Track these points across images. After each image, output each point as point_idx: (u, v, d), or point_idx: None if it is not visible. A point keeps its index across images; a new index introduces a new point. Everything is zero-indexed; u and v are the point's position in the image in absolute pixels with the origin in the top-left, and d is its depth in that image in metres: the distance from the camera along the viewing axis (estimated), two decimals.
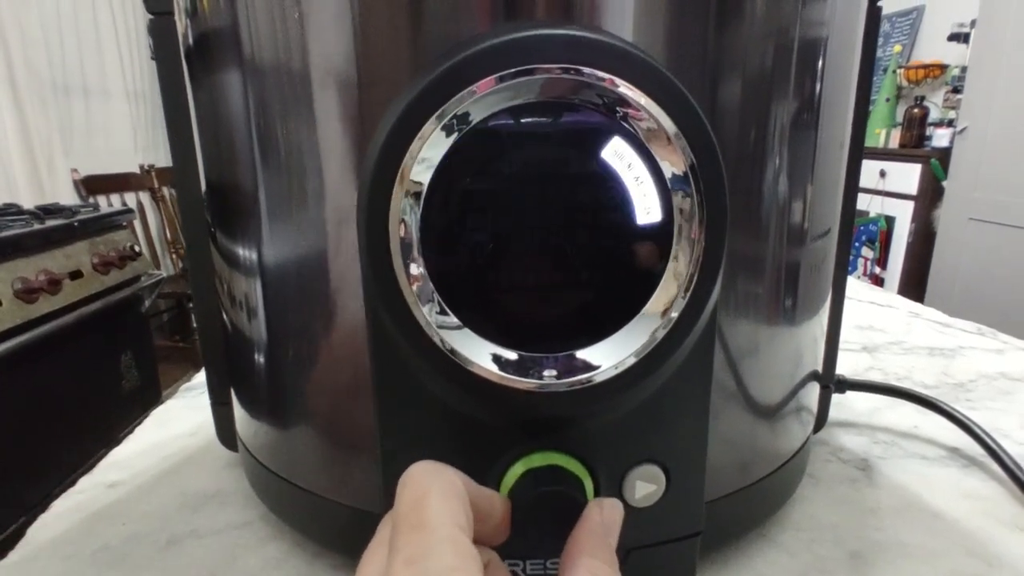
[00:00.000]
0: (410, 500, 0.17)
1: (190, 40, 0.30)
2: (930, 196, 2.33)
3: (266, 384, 0.32)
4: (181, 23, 0.31)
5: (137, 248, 1.66)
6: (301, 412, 0.31)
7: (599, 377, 0.22)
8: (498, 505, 0.21)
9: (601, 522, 0.20)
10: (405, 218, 0.19)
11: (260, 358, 0.32)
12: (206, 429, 0.46)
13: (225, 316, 0.34)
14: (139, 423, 0.49)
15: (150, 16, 0.32)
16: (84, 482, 0.40)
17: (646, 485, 0.25)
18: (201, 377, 0.55)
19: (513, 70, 0.19)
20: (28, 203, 1.71)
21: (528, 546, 0.23)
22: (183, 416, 0.49)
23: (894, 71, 2.66)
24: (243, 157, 0.28)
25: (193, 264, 0.35)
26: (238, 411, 0.36)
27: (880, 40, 2.90)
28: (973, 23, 2.19)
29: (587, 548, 0.19)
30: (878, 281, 2.55)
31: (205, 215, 0.33)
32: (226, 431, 0.38)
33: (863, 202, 2.60)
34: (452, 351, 0.21)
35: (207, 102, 0.30)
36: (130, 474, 0.41)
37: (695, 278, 0.21)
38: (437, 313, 0.21)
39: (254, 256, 0.30)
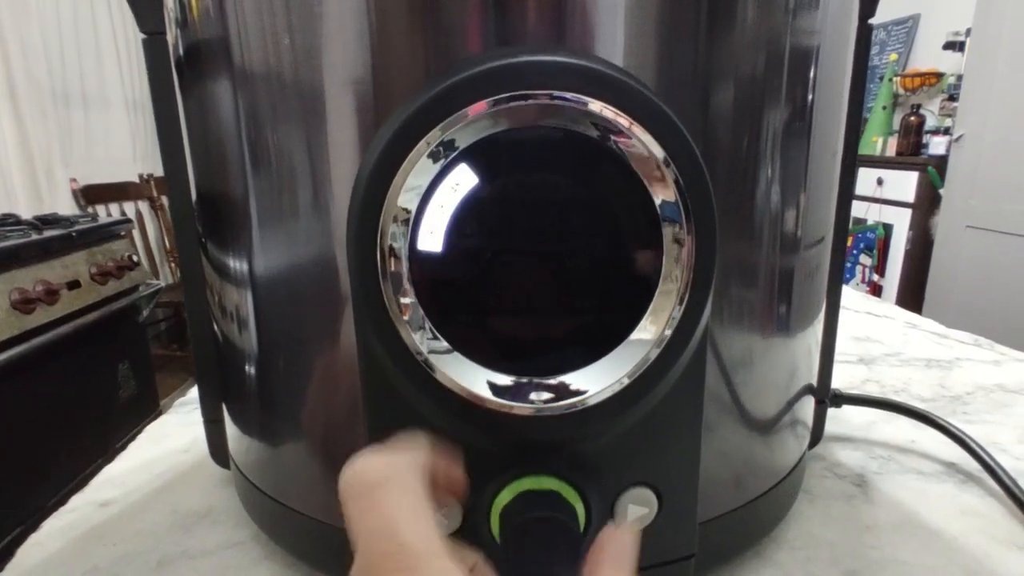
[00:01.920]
0: (376, 526, 0.15)
1: (181, 55, 0.30)
2: (927, 204, 2.34)
3: (257, 402, 0.32)
4: (172, 37, 0.31)
5: (135, 258, 1.66)
6: (292, 431, 0.31)
7: (591, 400, 0.22)
8: (456, 458, 0.20)
9: (618, 549, 0.19)
10: (394, 244, 0.19)
11: (252, 375, 0.32)
12: (199, 445, 0.45)
13: (217, 332, 0.34)
14: (133, 438, 0.48)
15: (143, 36, 0.32)
16: (76, 500, 0.40)
17: (638, 508, 0.25)
18: (195, 391, 0.55)
19: (501, 97, 0.20)
20: (27, 213, 1.71)
21: (518, 570, 0.23)
22: (177, 432, 0.49)
23: (890, 79, 2.67)
24: (233, 171, 0.28)
25: (186, 281, 0.34)
26: (230, 428, 0.36)
27: (876, 48, 2.92)
28: (968, 32, 2.20)
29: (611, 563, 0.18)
30: (876, 288, 2.55)
31: (196, 228, 0.33)
32: (218, 448, 0.38)
33: (861, 210, 2.61)
34: (442, 376, 0.21)
35: (198, 116, 0.30)
36: (122, 492, 0.41)
37: (685, 301, 0.21)
38: (427, 339, 0.21)
39: (245, 271, 0.30)
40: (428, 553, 0.15)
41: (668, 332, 0.22)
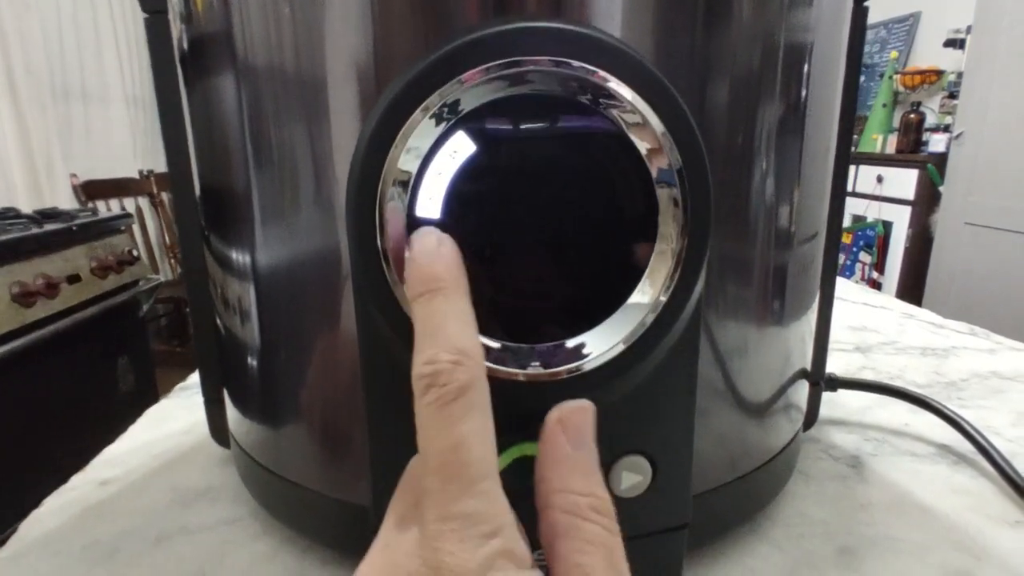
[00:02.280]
0: (446, 440, 0.15)
1: (184, 42, 0.30)
2: (927, 201, 2.34)
3: (258, 380, 0.32)
4: (176, 25, 0.31)
5: (135, 252, 1.66)
6: (293, 407, 0.31)
7: (588, 365, 0.22)
8: None
9: (563, 435, 0.18)
10: (393, 206, 0.20)
11: (252, 355, 0.32)
12: (200, 427, 0.46)
13: (219, 314, 0.34)
14: (133, 421, 0.49)
15: (145, 15, 0.32)
16: (76, 479, 0.40)
17: (632, 476, 0.25)
18: (196, 377, 0.55)
19: (500, 61, 0.20)
20: (27, 207, 1.72)
21: None
22: (178, 415, 0.49)
23: (891, 77, 2.67)
24: (237, 158, 0.29)
25: (187, 263, 0.35)
26: (230, 407, 0.36)
27: (877, 46, 2.92)
28: (969, 29, 2.20)
29: (555, 479, 0.17)
30: (876, 286, 2.56)
31: (199, 216, 0.33)
32: (219, 427, 0.38)
33: (861, 207, 2.61)
34: None
35: (201, 104, 0.31)
36: (123, 471, 0.41)
37: (682, 265, 0.22)
38: None
39: (247, 256, 0.30)
40: (484, 474, 0.15)
41: (664, 297, 0.22)
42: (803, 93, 0.29)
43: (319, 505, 0.31)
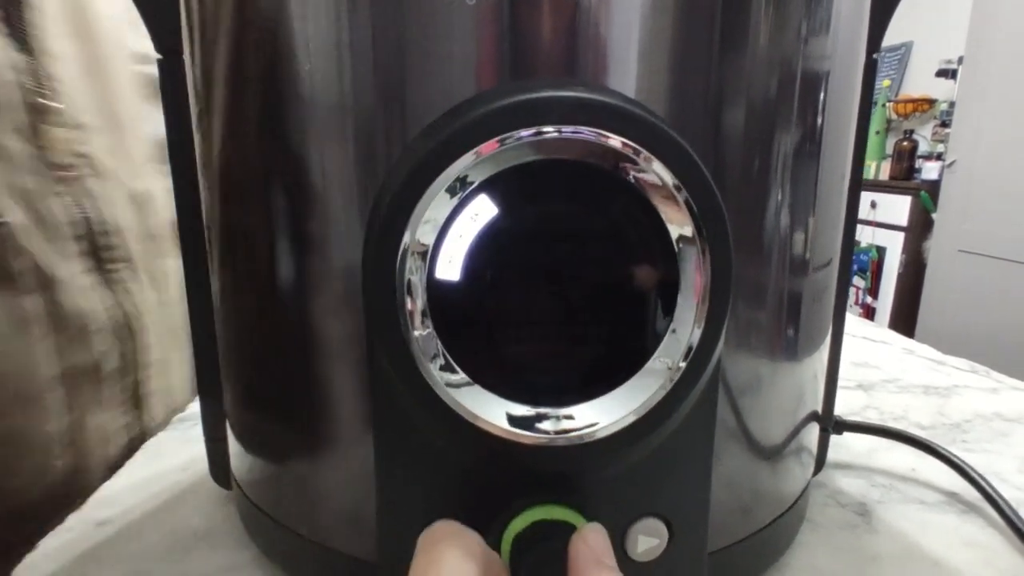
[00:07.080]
0: (425, 561, 0.18)
1: (197, 75, 0.30)
2: (920, 227, 2.37)
3: (263, 420, 0.32)
4: (188, 56, 0.31)
5: None
6: (298, 451, 0.30)
7: (600, 433, 0.22)
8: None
9: (590, 552, 0.20)
10: (411, 278, 0.20)
11: (258, 393, 0.31)
12: (198, 464, 0.45)
13: (222, 348, 0.34)
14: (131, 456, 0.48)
15: (158, 56, 0.32)
16: (72, 519, 0.39)
17: (648, 539, 0.25)
18: (194, 407, 0.54)
19: (517, 133, 0.20)
20: None
21: None
22: (175, 449, 0.48)
23: (883, 104, 2.71)
24: (246, 192, 0.28)
25: (191, 296, 0.34)
26: (233, 446, 0.36)
27: None
28: (960, 60, 2.25)
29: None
30: (869, 311, 2.57)
31: (205, 244, 0.33)
32: (220, 469, 0.37)
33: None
34: (457, 406, 0.21)
35: (208, 136, 0.30)
36: (120, 511, 0.40)
37: (699, 336, 0.21)
38: (442, 368, 0.21)
39: (253, 288, 0.30)
40: None
41: (680, 368, 0.22)
42: (818, 140, 0.29)
43: (324, 557, 0.30)
